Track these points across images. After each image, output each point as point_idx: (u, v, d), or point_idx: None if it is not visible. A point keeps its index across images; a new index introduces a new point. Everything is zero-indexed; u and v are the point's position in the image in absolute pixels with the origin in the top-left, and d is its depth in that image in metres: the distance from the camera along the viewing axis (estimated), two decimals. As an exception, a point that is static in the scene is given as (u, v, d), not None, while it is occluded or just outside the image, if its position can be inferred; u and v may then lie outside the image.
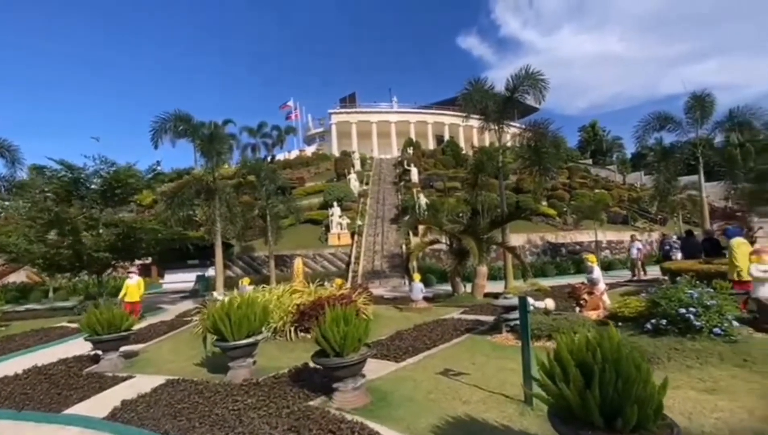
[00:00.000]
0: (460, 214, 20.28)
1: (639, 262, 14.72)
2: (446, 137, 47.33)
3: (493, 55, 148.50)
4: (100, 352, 6.76)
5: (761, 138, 16.29)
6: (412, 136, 45.58)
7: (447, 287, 13.85)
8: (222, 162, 18.64)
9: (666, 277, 10.22)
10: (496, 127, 14.17)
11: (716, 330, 5.25)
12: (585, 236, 21.98)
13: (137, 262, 16.35)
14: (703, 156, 15.27)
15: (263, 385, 4.96)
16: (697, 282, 6.12)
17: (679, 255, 13.15)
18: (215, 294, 12.06)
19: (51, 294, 19.57)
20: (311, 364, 4.90)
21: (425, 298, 11.39)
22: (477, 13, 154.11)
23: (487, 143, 29.52)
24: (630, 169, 42.39)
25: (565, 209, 24.82)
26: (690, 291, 5.70)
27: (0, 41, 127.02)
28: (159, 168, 16.57)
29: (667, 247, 14.75)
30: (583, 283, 8.78)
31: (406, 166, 31.45)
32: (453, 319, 8.85)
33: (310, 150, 47.98)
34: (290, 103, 51.47)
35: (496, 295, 9.78)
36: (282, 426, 3.69)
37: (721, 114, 15.03)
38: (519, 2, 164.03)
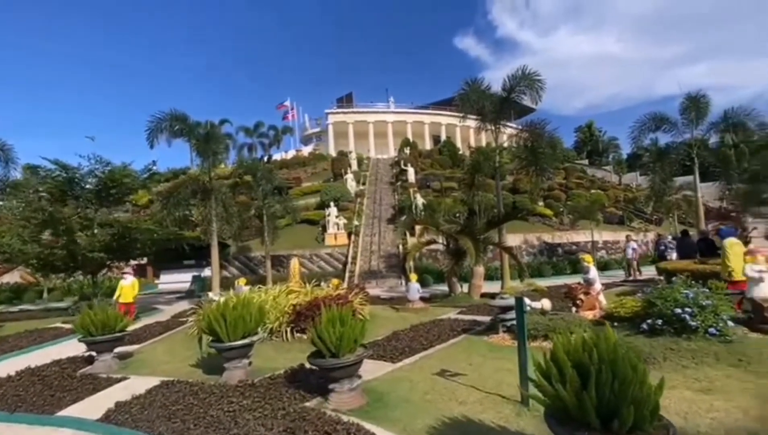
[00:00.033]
0: (457, 215, 20.25)
1: (634, 262, 14.82)
2: (443, 137, 47.42)
3: (490, 56, 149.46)
4: (94, 354, 6.71)
5: (755, 139, 16.42)
6: (409, 136, 45.64)
7: (444, 287, 13.85)
8: (218, 162, 18.60)
9: (662, 277, 10.26)
10: (493, 128, 14.22)
11: (711, 330, 5.29)
12: (581, 236, 22.05)
13: (132, 262, 16.24)
14: (698, 157, 15.36)
15: (259, 386, 4.93)
16: (693, 282, 6.16)
17: (674, 255, 13.25)
18: (211, 294, 11.98)
19: (45, 295, 19.38)
20: (307, 365, 4.87)
21: (422, 299, 11.36)
22: (474, 14, 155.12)
23: (483, 143, 29.48)
24: (626, 169, 42.72)
25: (561, 209, 24.92)
26: (685, 291, 5.72)
27: (0, 41, 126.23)
28: (155, 168, 16.42)
29: (663, 247, 14.90)
30: (579, 284, 8.83)
31: (403, 166, 31.37)
32: (450, 319, 8.83)
33: (306, 150, 47.85)
34: (287, 103, 51.47)
35: (492, 296, 9.80)
36: (277, 427, 3.68)
37: (716, 115, 15.14)
38: (516, 3, 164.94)
